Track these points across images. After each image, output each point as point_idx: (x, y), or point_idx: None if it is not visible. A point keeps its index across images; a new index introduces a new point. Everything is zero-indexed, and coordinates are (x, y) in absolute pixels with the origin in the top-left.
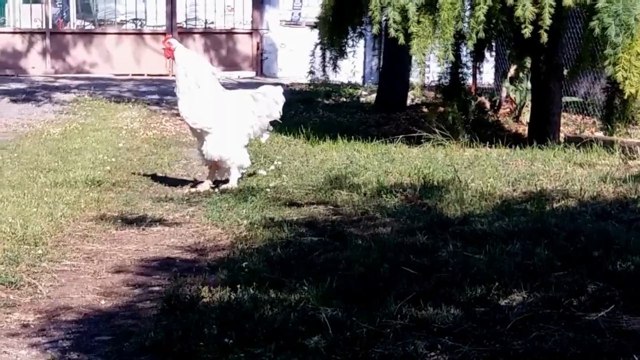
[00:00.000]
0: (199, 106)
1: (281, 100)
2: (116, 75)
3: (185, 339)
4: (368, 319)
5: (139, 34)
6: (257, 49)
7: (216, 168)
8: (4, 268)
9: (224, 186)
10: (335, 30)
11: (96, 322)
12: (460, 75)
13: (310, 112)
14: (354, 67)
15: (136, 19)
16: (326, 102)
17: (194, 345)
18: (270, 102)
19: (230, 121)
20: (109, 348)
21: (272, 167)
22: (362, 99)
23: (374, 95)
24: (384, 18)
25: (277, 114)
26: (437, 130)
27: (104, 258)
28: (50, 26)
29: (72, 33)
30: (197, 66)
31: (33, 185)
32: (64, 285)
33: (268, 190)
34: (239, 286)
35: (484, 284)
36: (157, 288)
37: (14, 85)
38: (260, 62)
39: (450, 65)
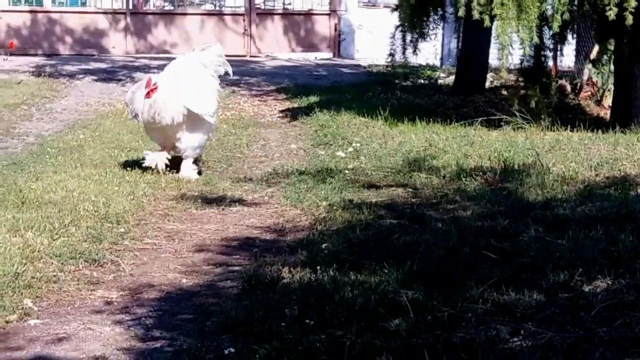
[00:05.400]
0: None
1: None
2: None
3: (266, 319)
4: (449, 303)
5: (219, 14)
6: (335, 30)
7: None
8: (87, 245)
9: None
10: (416, 12)
11: (178, 301)
12: (542, 57)
13: (388, 94)
14: (435, 49)
15: (215, 0)
16: (404, 84)
17: (275, 325)
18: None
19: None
20: (191, 327)
21: (350, 149)
22: (440, 81)
23: (452, 77)
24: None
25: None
26: (517, 114)
27: (184, 237)
28: (131, 6)
29: (152, 13)
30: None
31: (114, 164)
32: (145, 263)
33: (346, 172)
34: (318, 267)
35: (567, 270)
36: (237, 267)
37: (95, 65)
38: (338, 44)
39: (533, 47)
